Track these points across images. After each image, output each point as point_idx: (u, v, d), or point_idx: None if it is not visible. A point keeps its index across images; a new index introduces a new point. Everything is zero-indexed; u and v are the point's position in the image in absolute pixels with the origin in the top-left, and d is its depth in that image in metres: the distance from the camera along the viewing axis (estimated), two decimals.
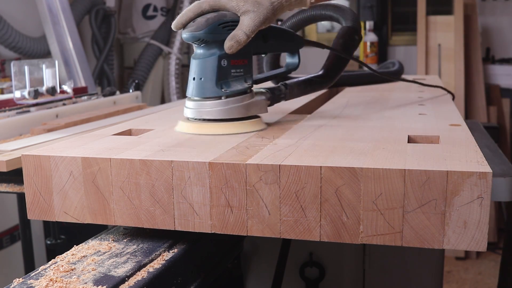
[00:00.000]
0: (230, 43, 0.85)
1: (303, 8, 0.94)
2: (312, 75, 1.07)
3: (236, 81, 0.89)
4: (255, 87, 0.95)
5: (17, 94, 1.65)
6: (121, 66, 4.67)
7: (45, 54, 3.44)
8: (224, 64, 0.87)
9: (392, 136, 0.81)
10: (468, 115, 3.77)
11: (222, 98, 0.87)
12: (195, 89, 0.88)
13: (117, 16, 4.42)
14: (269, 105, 0.97)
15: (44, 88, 1.72)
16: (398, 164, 0.63)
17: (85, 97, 1.94)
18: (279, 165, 0.65)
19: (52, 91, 1.74)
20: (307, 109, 1.25)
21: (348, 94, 1.45)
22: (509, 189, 0.95)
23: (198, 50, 0.89)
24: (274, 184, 0.65)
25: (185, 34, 0.86)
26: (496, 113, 3.83)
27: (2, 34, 3.15)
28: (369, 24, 4.14)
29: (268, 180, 0.65)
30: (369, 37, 4.11)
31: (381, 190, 0.62)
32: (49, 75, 1.74)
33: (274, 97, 0.97)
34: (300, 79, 1.05)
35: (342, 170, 0.63)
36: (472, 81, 3.83)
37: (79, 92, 2.03)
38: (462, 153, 0.69)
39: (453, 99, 1.35)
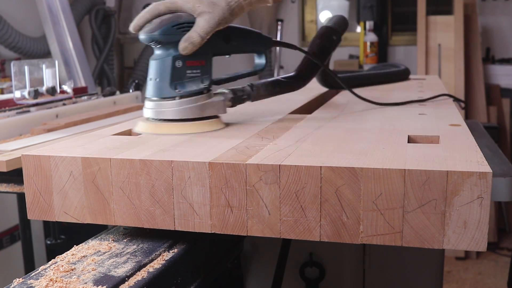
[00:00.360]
0: (184, 45, 0.86)
1: (268, 4, 0.92)
2: (282, 76, 1.07)
3: (192, 82, 0.89)
4: (218, 88, 0.96)
5: (17, 94, 1.65)
6: (121, 66, 4.67)
7: (45, 54, 3.44)
8: (178, 65, 0.88)
9: (392, 136, 0.81)
10: (468, 115, 3.77)
11: (176, 98, 0.88)
12: (151, 90, 0.89)
13: (117, 16, 4.42)
14: (231, 106, 0.97)
15: (44, 88, 1.72)
16: (398, 164, 0.63)
17: (85, 97, 1.94)
18: (279, 165, 0.65)
19: (52, 91, 1.74)
20: (307, 109, 1.25)
21: (348, 94, 1.45)
22: (509, 189, 0.95)
23: (155, 51, 0.89)
24: (274, 184, 0.65)
25: (141, 36, 0.87)
26: (496, 113, 3.83)
27: (2, 34, 3.15)
28: (369, 24, 4.14)
29: (268, 180, 0.65)
30: (369, 37, 4.11)
31: (381, 190, 0.62)
32: (49, 75, 1.74)
33: (236, 97, 0.97)
34: (268, 80, 1.04)
35: (342, 170, 0.63)
36: (472, 81, 3.83)
37: (79, 92, 2.03)
38: (462, 153, 0.69)
39: (465, 107, 1.35)
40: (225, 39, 0.93)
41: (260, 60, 1.01)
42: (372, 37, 4.11)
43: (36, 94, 1.66)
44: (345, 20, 1.22)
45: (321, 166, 0.64)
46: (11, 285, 0.60)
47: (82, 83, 2.62)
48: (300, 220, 0.65)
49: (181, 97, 0.88)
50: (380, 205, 0.62)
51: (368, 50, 4.10)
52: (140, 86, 3.14)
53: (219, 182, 0.67)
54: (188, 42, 0.85)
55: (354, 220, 0.63)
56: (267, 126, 0.94)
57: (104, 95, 2.00)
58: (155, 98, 0.89)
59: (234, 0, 0.88)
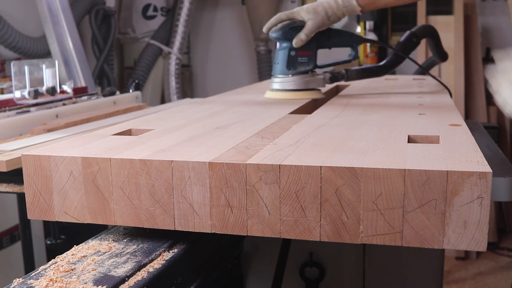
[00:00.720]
0: (296, 40, 1.31)
1: (357, 14, 1.28)
2: (373, 65, 1.50)
3: (301, 65, 1.35)
4: (322, 70, 1.41)
5: (17, 94, 1.65)
6: (121, 66, 4.67)
7: (45, 54, 3.44)
8: (292, 54, 1.34)
9: (392, 136, 0.81)
10: (468, 115, 3.77)
11: (289, 76, 1.35)
12: (275, 70, 1.37)
13: (117, 16, 4.42)
14: (330, 83, 1.43)
15: (44, 88, 1.72)
16: (398, 164, 0.63)
17: (85, 97, 1.94)
18: (279, 165, 0.65)
19: (52, 91, 1.74)
20: (307, 109, 1.25)
21: (348, 94, 1.45)
22: (509, 189, 0.95)
23: (280, 45, 1.35)
24: (274, 184, 0.65)
25: (270, 35, 1.35)
26: (496, 113, 3.83)
27: (2, 34, 3.15)
28: (369, 24, 4.14)
29: (268, 180, 0.65)
30: (369, 37, 4.11)
31: (381, 190, 0.62)
32: (49, 75, 1.74)
33: (333, 77, 1.42)
34: (361, 67, 1.47)
35: (342, 170, 0.63)
36: (472, 81, 3.83)
37: (79, 92, 2.03)
38: (462, 153, 0.69)
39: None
40: (327, 37, 1.37)
41: (353, 52, 1.41)
42: (372, 37, 4.11)
43: (36, 94, 1.66)
44: (427, 27, 1.56)
45: (321, 166, 0.64)
46: (11, 285, 0.60)
47: (82, 83, 2.62)
48: (300, 220, 0.65)
49: (292, 75, 1.35)
50: (380, 205, 0.62)
51: (368, 50, 4.10)
52: (140, 86, 3.14)
53: (219, 182, 0.67)
54: (298, 39, 1.31)
55: (354, 220, 0.63)
56: (267, 126, 0.94)
57: (104, 95, 2.00)
58: (277, 75, 1.36)
59: (331, 11, 1.28)
